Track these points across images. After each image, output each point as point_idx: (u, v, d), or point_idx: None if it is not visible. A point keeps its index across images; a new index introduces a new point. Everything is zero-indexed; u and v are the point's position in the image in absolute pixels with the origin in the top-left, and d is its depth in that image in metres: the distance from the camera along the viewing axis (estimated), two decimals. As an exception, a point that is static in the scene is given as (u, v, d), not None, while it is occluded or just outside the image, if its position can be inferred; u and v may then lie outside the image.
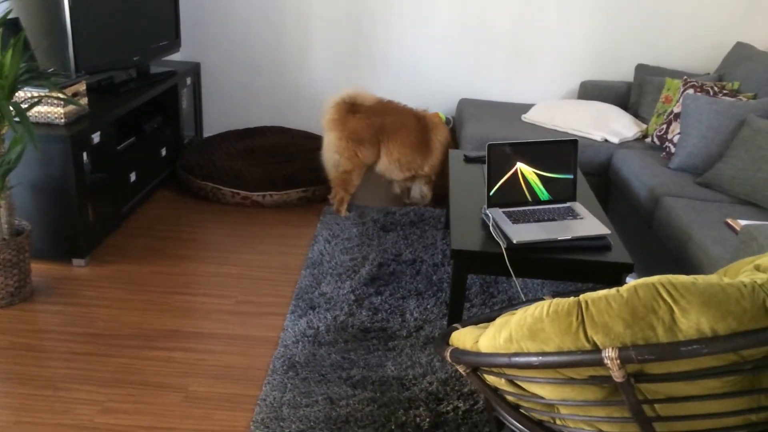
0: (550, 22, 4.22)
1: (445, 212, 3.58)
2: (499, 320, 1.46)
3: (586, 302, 1.26)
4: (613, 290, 1.25)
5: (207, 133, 4.64)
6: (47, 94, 2.75)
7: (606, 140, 3.68)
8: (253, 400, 2.23)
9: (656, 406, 1.32)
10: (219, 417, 2.14)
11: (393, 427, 2.11)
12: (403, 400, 2.23)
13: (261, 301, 2.81)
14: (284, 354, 2.44)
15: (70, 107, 2.87)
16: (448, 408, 2.21)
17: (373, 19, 4.30)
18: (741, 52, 3.70)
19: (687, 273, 2.59)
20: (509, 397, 1.55)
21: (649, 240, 3.04)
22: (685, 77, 3.68)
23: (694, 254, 2.54)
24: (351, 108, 3.57)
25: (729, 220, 2.68)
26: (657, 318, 1.20)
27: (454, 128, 4.23)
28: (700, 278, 1.22)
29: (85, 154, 2.90)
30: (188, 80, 4.15)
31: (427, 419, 2.16)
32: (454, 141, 4.21)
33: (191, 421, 2.12)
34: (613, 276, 2.28)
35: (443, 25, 4.28)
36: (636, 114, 3.99)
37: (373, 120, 3.57)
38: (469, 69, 4.37)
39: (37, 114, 2.83)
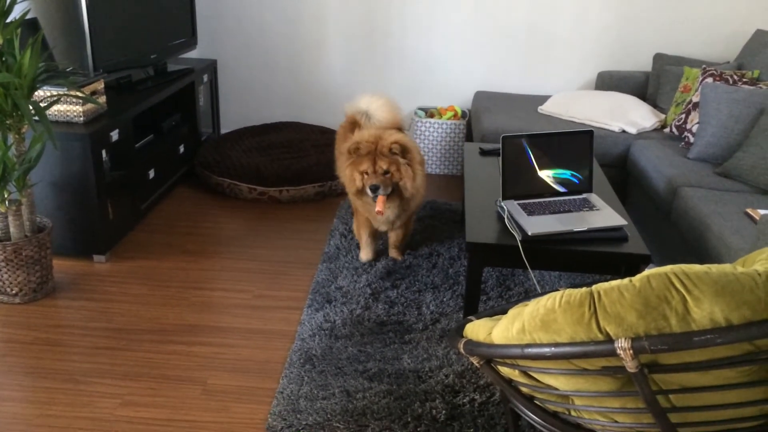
0: (566, 12, 4.18)
1: (461, 205, 3.57)
2: (512, 311, 1.46)
3: (599, 293, 1.26)
4: (626, 280, 1.25)
5: (224, 129, 4.67)
6: (66, 92, 2.78)
7: (624, 131, 3.65)
8: (270, 393, 2.25)
9: (671, 396, 1.31)
10: (237, 410, 2.17)
11: (409, 420, 2.12)
12: (419, 393, 2.24)
13: (278, 296, 2.83)
14: (301, 347, 2.46)
15: (89, 106, 2.90)
16: (465, 400, 2.21)
17: (389, 13, 4.29)
18: (761, 40, 3.64)
19: (706, 263, 2.56)
20: (523, 389, 1.55)
21: (668, 231, 3.01)
22: (704, 66, 3.63)
23: (714, 245, 2.51)
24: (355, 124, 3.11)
25: (749, 210, 2.65)
26: (670, 308, 1.19)
27: (470, 121, 4.21)
28: (714, 267, 1.21)
29: (104, 152, 2.94)
30: (205, 77, 4.18)
31: (444, 411, 2.16)
32: (469, 134, 4.20)
33: (209, 414, 2.14)
34: (630, 267, 2.27)
35: (459, 17, 4.26)
36: (654, 104, 3.95)
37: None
38: (485, 61, 4.35)
39: (56, 113, 2.87)
